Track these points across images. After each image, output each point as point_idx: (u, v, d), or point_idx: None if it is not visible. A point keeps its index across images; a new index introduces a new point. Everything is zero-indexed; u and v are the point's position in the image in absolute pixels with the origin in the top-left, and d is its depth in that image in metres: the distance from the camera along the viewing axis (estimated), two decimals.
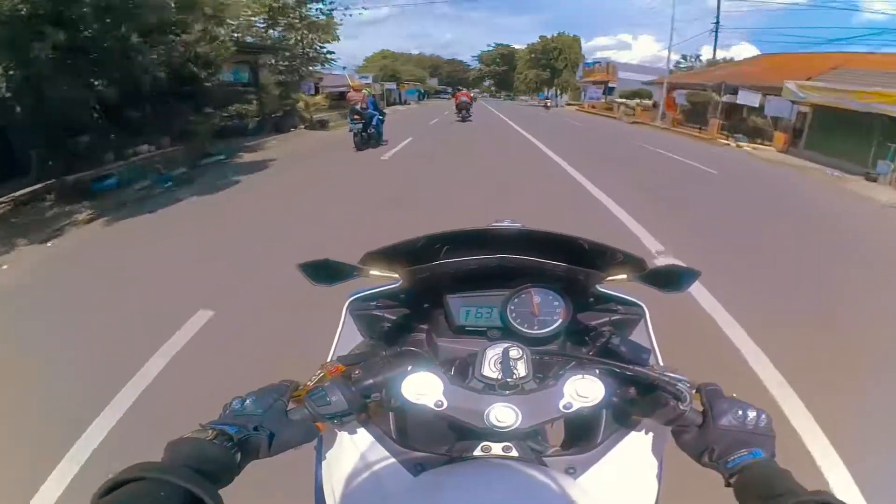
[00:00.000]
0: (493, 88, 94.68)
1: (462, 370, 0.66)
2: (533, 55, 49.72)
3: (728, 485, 0.50)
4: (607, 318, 0.84)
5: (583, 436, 0.69)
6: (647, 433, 0.64)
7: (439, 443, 0.66)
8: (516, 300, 0.79)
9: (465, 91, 24.32)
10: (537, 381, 0.61)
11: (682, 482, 0.78)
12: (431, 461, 0.60)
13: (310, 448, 0.62)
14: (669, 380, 0.56)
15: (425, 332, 0.87)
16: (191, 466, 0.43)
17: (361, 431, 0.63)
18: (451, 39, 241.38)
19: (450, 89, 76.20)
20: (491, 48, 77.89)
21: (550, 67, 47.15)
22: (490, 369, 0.60)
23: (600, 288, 0.80)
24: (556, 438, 0.80)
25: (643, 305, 0.82)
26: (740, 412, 0.54)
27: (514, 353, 0.61)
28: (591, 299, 0.83)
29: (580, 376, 0.55)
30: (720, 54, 31.90)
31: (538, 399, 0.56)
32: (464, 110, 18.20)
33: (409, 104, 38.85)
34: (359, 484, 0.59)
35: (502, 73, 74.48)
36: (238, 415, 0.53)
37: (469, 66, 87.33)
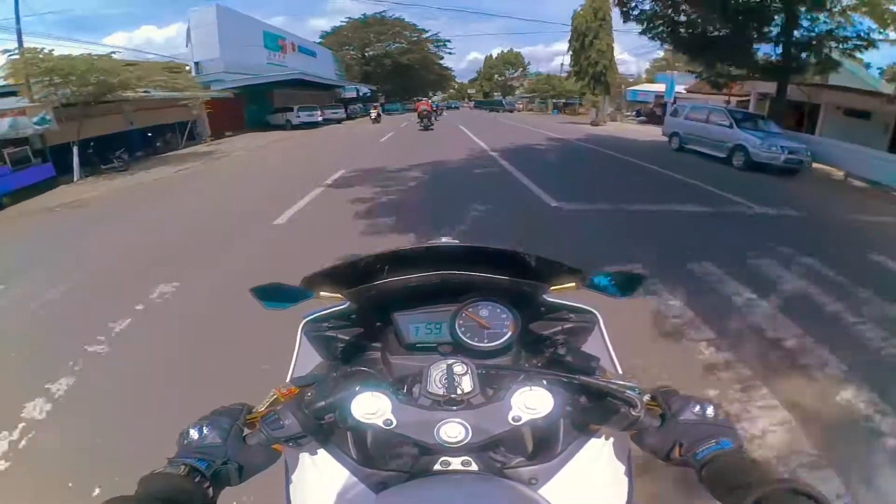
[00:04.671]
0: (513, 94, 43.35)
1: (414, 387, 0.66)
2: None
3: (700, 479, 0.50)
4: (560, 327, 0.84)
5: (546, 446, 0.68)
6: (607, 439, 0.64)
7: (401, 459, 0.66)
8: (464, 315, 0.79)
9: (424, 100, 24.78)
10: (487, 395, 0.61)
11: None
12: (392, 479, 0.60)
13: (280, 470, 0.64)
14: (618, 387, 0.56)
15: (379, 351, 0.86)
16: (165, 499, 0.44)
17: (322, 452, 0.62)
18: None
19: (370, 89, 36.80)
20: None
21: None
22: (436, 386, 0.60)
23: (551, 297, 0.81)
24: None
25: (596, 312, 0.83)
26: (698, 407, 0.55)
27: (459, 368, 0.61)
28: (543, 309, 0.83)
29: (528, 388, 0.55)
30: None
31: (486, 413, 0.55)
32: (425, 119, 19.13)
33: None
34: None
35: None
36: (202, 448, 0.53)
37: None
